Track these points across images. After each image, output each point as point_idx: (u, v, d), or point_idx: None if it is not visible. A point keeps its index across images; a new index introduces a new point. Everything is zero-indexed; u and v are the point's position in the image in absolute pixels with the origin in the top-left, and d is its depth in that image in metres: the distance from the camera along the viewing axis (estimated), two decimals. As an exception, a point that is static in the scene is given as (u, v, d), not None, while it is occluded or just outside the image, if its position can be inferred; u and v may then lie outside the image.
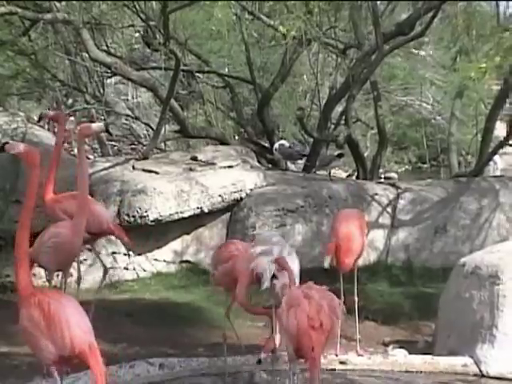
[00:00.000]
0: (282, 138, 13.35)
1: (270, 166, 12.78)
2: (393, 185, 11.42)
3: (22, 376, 5.94)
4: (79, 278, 6.58)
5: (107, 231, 6.72)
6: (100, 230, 6.54)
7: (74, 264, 8.82)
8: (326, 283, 9.12)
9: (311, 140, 13.75)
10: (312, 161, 12.39)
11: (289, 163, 12.71)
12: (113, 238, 9.56)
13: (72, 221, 5.75)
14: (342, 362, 6.47)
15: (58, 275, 6.82)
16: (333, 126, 13.77)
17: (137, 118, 14.62)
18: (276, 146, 11.87)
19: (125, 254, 9.72)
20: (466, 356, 6.50)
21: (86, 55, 11.54)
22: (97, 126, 5.77)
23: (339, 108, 14.37)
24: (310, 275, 9.24)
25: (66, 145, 14.20)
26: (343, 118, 13.26)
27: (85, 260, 9.50)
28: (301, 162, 13.57)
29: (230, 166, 10.59)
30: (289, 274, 5.02)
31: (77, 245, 5.72)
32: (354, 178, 14.08)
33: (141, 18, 12.32)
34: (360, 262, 10.30)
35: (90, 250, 9.52)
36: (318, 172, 12.02)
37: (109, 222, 6.77)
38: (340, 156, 11.14)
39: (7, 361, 4.31)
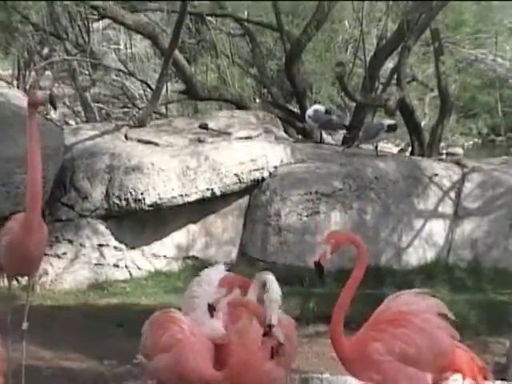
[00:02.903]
0: (316, 102, 13.31)
1: (300, 137, 12.77)
2: (457, 163, 11.38)
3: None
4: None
5: None
6: None
7: (54, 260, 8.91)
8: (370, 286, 9.23)
9: (353, 105, 13.71)
10: (354, 131, 12.35)
11: (324, 134, 12.69)
12: (102, 226, 9.68)
13: (24, 214, 5.67)
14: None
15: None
16: (381, 87, 13.70)
17: (131, 74, 14.65)
18: (309, 111, 11.85)
19: (115, 248, 9.80)
20: (548, 383, 6.50)
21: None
22: (42, 94, 5.72)
23: (390, 64, 14.30)
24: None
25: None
26: (395, 76, 13.20)
27: (64, 254, 9.59)
28: (340, 133, 13.53)
29: (248, 137, 10.59)
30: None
31: (31, 245, 5.61)
32: (407, 153, 14.05)
33: None
34: (414, 262, 10.43)
35: (70, 242, 9.61)
36: (361, 146, 11.99)
37: None
38: (391, 128, 11.10)
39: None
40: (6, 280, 6.02)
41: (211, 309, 4.84)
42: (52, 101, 5.78)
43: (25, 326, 5.79)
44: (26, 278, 6.11)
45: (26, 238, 5.59)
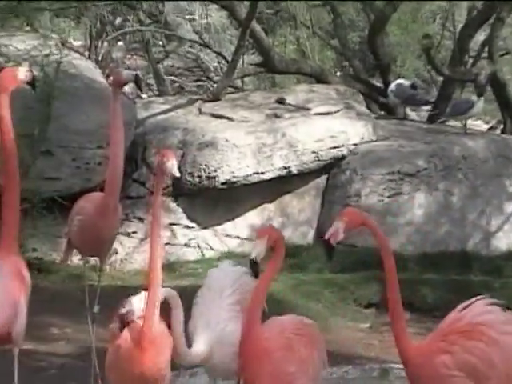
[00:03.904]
0: (400, 76, 13.18)
1: (382, 113, 12.67)
2: (553, 143, 11.23)
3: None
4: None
5: None
6: None
7: (124, 239, 8.98)
8: (456, 272, 9.12)
9: (440, 79, 13.54)
10: (441, 107, 12.24)
11: (408, 110, 12.57)
12: (173, 204, 9.75)
13: (102, 195, 5.69)
14: None
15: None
16: (471, 61, 13.51)
17: (206, 46, 14.69)
18: (391, 86, 11.76)
19: (187, 227, 9.86)
20: None
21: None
22: (127, 73, 5.76)
23: (480, 36, 14.07)
24: (435, 262, 9.20)
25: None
26: (486, 49, 12.99)
27: (134, 233, 9.69)
28: (426, 109, 13.40)
29: (328, 113, 10.55)
30: None
31: (105, 228, 5.62)
32: (498, 131, 13.84)
33: None
34: (503, 247, 10.28)
35: (140, 220, 9.70)
36: (448, 123, 11.87)
37: None
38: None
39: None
40: (73, 258, 6.09)
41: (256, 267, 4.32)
42: (137, 81, 5.83)
43: (96, 309, 5.85)
44: (96, 258, 6.16)
45: (100, 221, 5.60)
